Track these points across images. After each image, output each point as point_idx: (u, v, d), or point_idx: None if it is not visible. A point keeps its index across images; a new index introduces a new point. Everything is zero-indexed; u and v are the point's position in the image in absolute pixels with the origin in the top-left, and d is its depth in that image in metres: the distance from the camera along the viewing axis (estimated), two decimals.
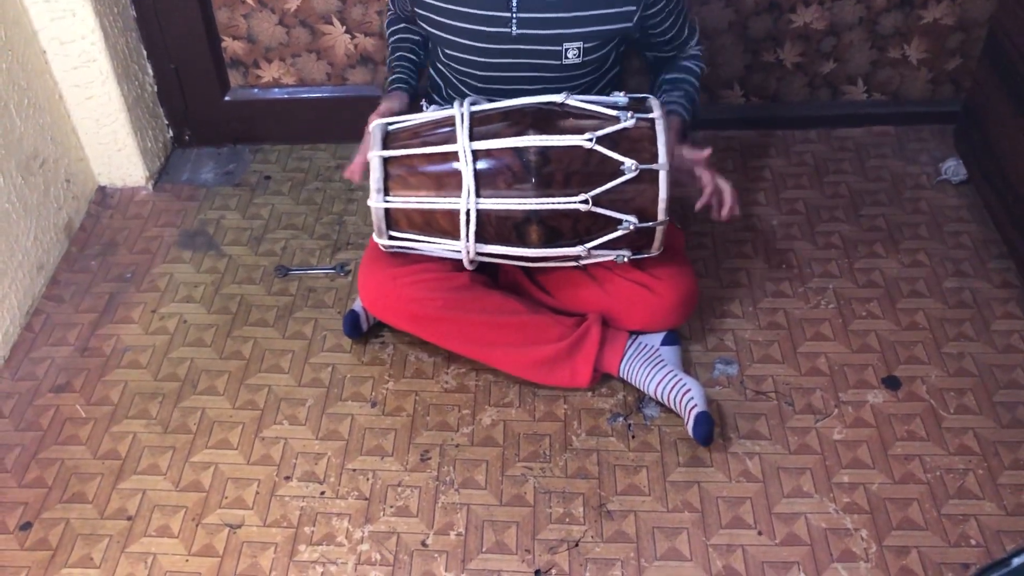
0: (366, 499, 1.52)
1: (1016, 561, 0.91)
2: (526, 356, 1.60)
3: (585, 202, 1.41)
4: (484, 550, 1.44)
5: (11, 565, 1.44)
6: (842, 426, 1.59)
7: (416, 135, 1.48)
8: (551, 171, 1.41)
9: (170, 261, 1.97)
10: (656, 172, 1.41)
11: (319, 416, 1.64)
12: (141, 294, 1.89)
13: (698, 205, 1.55)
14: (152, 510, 1.51)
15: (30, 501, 1.53)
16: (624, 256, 1.50)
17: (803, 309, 1.80)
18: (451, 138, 1.45)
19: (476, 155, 1.43)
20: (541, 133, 1.42)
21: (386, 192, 1.46)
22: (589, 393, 1.66)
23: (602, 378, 1.66)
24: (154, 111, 2.17)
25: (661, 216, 1.43)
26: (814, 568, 1.40)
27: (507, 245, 1.47)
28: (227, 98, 2.20)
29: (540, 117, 1.44)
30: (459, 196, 1.43)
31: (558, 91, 1.47)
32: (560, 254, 1.48)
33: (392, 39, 1.72)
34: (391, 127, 1.51)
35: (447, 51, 1.58)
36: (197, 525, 1.49)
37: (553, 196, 1.41)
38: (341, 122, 2.16)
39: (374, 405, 1.66)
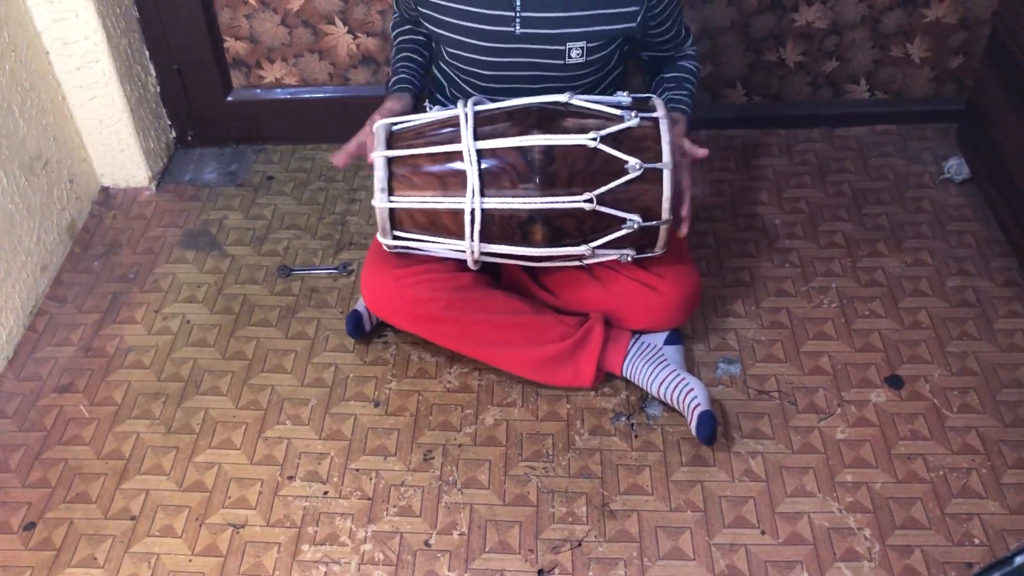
0: (369, 499, 1.52)
1: (1019, 560, 0.91)
2: (529, 356, 1.60)
3: (589, 201, 1.41)
4: (487, 550, 1.44)
5: (15, 565, 1.44)
6: (845, 425, 1.59)
7: (420, 135, 1.48)
8: (555, 170, 1.41)
9: (173, 261, 1.97)
10: (660, 171, 1.41)
11: (322, 416, 1.65)
12: (144, 294, 1.89)
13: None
14: (155, 510, 1.51)
15: (34, 501, 1.53)
16: (628, 255, 1.50)
17: (806, 308, 1.80)
18: (455, 138, 1.45)
19: (480, 155, 1.42)
20: (545, 132, 1.41)
21: (390, 192, 1.46)
22: (592, 393, 1.66)
23: (605, 378, 1.66)
24: (157, 111, 2.17)
25: (665, 215, 1.43)
26: (817, 567, 1.40)
27: (511, 245, 1.47)
28: (230, 98, 2.21)
29: (544, 116, 1.44)
30: (463, 196, 1.43)
31: (561, 91, 1.47)
32: (564, 253, 1.48)
33: (396, 40, 1.71)
34: (395, 127, 1.50)
35: (451, 51, 1.58)
36: (200, 525, 1.49)
37: (557, 195, 1.41)
38: (344, 122, 2.14)
39: (377, 405, 1.66)
